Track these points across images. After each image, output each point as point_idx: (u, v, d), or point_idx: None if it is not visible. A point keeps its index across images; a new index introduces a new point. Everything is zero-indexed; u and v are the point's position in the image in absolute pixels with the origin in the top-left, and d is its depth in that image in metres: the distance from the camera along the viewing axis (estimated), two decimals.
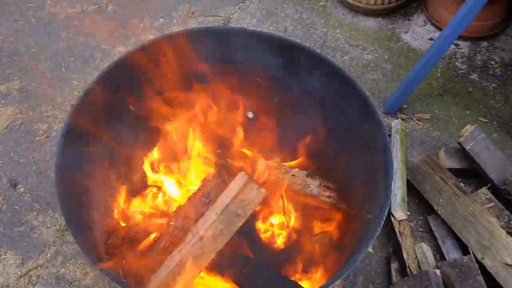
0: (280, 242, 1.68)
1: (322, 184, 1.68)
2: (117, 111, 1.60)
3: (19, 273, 1.97)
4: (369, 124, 1.44)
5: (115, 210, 1.66)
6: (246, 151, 1.81)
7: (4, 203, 2.18)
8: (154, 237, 1.62)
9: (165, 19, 3.01)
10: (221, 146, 1.80)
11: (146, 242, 1.63)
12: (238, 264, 1.52)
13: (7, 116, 2.50)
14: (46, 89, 2.62)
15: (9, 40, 2.86)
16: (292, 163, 1.79)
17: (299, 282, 1.53)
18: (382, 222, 1.20)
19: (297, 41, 2.86)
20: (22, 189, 2.23)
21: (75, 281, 1.95)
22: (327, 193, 1.67)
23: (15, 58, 2.77)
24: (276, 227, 1.72)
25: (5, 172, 2.28)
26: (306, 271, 1.60)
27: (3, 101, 2.57)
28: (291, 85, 1.68)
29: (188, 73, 1.63)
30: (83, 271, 1.98)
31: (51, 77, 2.68)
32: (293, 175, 1.71)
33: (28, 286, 1.94)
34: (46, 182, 2.25)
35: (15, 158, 2.34)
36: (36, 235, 2.09)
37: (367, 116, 1.44)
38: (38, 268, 1.99)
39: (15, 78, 2.67)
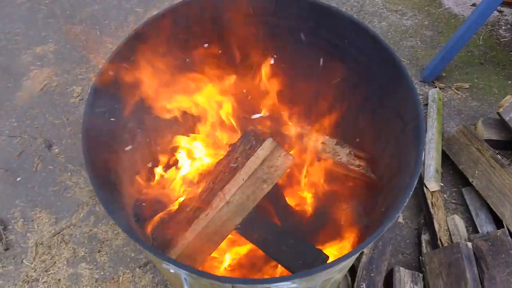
0: (308, 210, 1.67)
1: (352, 153, 1.66)
2: (148, 73, 1.59)
3: (52, 231, 2.02)
4: (402, 92, 1.39)
5: (143, 174, 1.67)
6: (276, 118, 1.79)
7: (39, 163, 2.22)
8: (182, 201, 1.62)
9: None
10: (251, 112, 1.78)
11: (174, 206, 1.64)
12: (264, 231, 1.52)
13: (43, 78, 2.54)
14: (80, 51, 2.64)
15: (44, 3, 2.88)
16: (323, 130, 1.76)
17: (326, 250, 1.52)
18: (411, 191, 1.16)
19: (333, 5, 2.80)
20: (56, 150, 2.27)
21: (107, 241, 1.99)
22: (357, 162, 1.64)
23: (50, 20, 2.79)
24: (305, 195, 1.71)
25: (41, 133, 2.32)
26: (333, 239, 1.59)
27: (38, 63, 2.60)
28: (324, 51, 1.64)
29: (221, 35, 1.62)
30: (115, 231, 2.01)
31: (85, 40, 2.69)
32: (322, 142, 1.68)
33: (61, 244, 1.98)
34: (80, 143, 2.28)
35: (50, 119, 2.38)
36: (70, 195, 2.13)
37: (400, 83, 1.39)
38: (71, 227, 2.03)
39: (50, 40, 2.70)
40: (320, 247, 1.50)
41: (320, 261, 1.42)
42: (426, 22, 2.77)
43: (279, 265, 1.50)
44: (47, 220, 2.05)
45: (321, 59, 1.66)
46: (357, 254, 1.18)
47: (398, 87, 1.42)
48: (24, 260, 1.94)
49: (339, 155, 1.66)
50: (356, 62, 1.58)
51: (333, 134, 1.73)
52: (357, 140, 1.70)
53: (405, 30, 2.73)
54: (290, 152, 1.49)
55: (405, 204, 1.16)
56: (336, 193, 1.68)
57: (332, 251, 1.54)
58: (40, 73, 2.56)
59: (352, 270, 1.79)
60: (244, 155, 1.53)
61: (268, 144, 1.46)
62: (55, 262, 1.93)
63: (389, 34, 2.71)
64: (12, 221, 2.05)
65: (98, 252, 1.96)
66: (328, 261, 1.44)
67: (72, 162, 2.23)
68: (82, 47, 2.67)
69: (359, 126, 1.68)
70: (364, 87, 1.59)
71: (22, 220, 2.05)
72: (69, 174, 2.19)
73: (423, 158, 2.08)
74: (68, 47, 2.67)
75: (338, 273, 1.42)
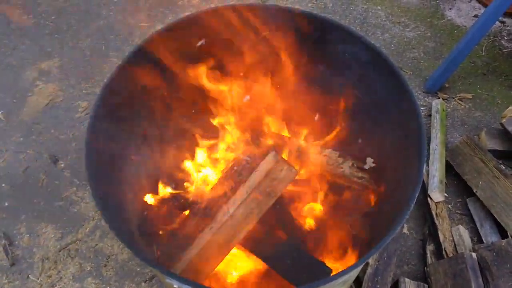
0: (312, 222, 1.67)
1: (355, 165, 1.66)
2: (152, 88, 1.60)
3: (58, 246, 2.03)
4: (403, 104, 1.40)
5: (148, 187, 1.68)
6: (280, 131, 1.80)
7: (45, 178, 2.24)
8: (187, 215, 1.63)
9: None
10: (254, 125, 1.79)
11: (178, 220, 1.64)
12: (269, 244, 1.52)
13: (48, 93, 2.56)
14: (86, 66, 2.66)
15: (50, 18, 2.91)
16: (325, 142, 1.76)
17: (330, 263, 1.52)
18: (413, 204, 1.17)
19: (336, 18, 2.82)
20: (62, 165, 2.29)
21: (112, 255, 2.00)
22: (359, 174, 1.65)
23: (56, 36, 2.82)
24: (309, 208, 1.71)
25: (46, 149, 2.34)
26: (338, 251, 1.59)
27: (44, 78, 2.62)
28: (325, 63, 1.65)
29: (220, 50, 1.63)
30: (121, 246, 2.02)
31: (91, 55, 2.72)
32: (325, 155, 1.69)
33: (67, 259, 1.99)
34: None
35: (56, 134, 2.39)
36: (76, 210, 2.14)
37: (400, 95, 1.40)
38: (77, 242, 2.04)
39: (56, 56, 2.73)
40: (323, 260, 1.51)
41: (323, 274, 1.43)
42: (429, 34, 2.78)
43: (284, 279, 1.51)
44: (53, 235, 2.06)
45: (322, 73, 1.67)
46: (360, 267, 1.18)
47: (399, 99, 1.43)
48: (30, 276, 1.95)
49: (342, 168, 1.66)
50: (357, 75, 1.59)
51: (336, 147, 1.73)
52: (360, 151, 1.70)
53: (408, 41, 2.75)
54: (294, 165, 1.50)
55: (407, 216, 1.16)
56: (340, 205, 1.69)
57: (335, 263, 1.55)
58: (46, 88, 2.58)
59: (358, 282, 1.79)
60: (248, 168, 1.54)
61: (271, 157, 1.47)
62: (61, 277, 1.94)
63: (392, 45, 2.72)
64: (18, 236, 2.06)
65: (104, 266, 1.97)
66: (331, 274, 1.44)
67: (78, 176, 2.24)
68: (87, 62, 2.69)
69: (362, 138, 1.69)
70: (366, 100, 1.60)
71: (28, 235, 2.06)
72: (75, 188, 2.20)
73: (427, 169, 2.09)
74: (73, 62, 2.69)
75: (342, 286, 1.42)
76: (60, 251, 2.01)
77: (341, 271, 1.09)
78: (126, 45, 2.77)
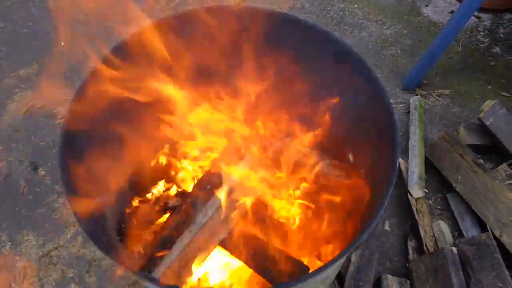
0: (292, 221, 1.68)
1: (332, 163, 1.67)
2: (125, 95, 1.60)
3: (40, 253, 2.02)
4: (377, 103, 1.40)
5: (127, 191, 1.68)
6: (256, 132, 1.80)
7: (25, 185, 2.22)
8: (166, 219, 1.63)
9: None
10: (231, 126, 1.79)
11: (158, 223, 1.64)
12: (248, 245, 1.53)
13: (27, 100, 2.54)
14: (64, 72, 2.65)
15: (27, 25, 2.90)
16: (303, 142, 1.77)
17: (309, 261, 1.53)
18: (386, 203, 1.18)
19: (313, 18, 2.83)
20: (42, 172, 2.27)
21: (95, 261, 1.99)
22: (337, 172, 1.66)
23: (33, 42, 2.81)
24: (288, 207, 1.71)
25: (26, 156, 2.32)
26: (317, 249, 1.60)
27: (22, 86, 2.61)
28: (298, 63, 1.66)
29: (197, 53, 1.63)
30: None
31: (69, 60, 2.70)
32: (304, 154, 1.70)
33: (49, 266, 1.98)
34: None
35: (36, 141, 2.38)
36: (57, 216, 2.13)
37: (374, 94, 1.41)
38: (59, 248, 2.03)
39: (34, 62, 2.71)
40: (303, 258, 1.51)
41: (300, 273, 1.43)
42: (406, 31, 2.81)
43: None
44: (34, 243, 2.05)
45: (296, 71, 1.67)
46: (337, 264, 1.19)
47: (371, 97, 1.44)
48: (12, 283, 1.93)
49: (320, 166, 1.67)
50: (332, 75, 1.59)
51: (313, 145, 1.74)
52: (339, 149, 1.70)
53: (385, 39, 2.76)
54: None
55: (381, 214, 1.17)
56: (319, 203, 1.69)
57: (315, 261, 1.55)
58: (25, 95, 2.57)
59: (340, 279, 1.80)
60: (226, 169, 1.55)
61: (248, 158, 1.48)
62: (43, 285, 1.93)
63: (369, 43, 2.74)
64: (0, 244, 2.04)
65: (87, 272, 1.96)
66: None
67: (58, 183, 2.23)
68: (66, 67, 2.67)
69: (339, 137, 1.70)
70: (342, 97, 1.61)
71: (10, 243, 2.05)
72: (56, 195, 2.19)
73: (407, 165, 2.11)
74: (52, 68, 2.67)
75: (322, 283, 1.43)
76: (42, 258, 2.00)
77: (316, 269, 1.10)
78: (105, 49, 2.75)
